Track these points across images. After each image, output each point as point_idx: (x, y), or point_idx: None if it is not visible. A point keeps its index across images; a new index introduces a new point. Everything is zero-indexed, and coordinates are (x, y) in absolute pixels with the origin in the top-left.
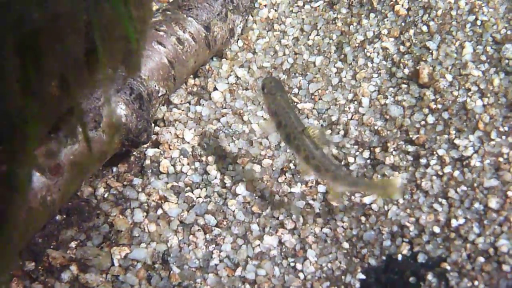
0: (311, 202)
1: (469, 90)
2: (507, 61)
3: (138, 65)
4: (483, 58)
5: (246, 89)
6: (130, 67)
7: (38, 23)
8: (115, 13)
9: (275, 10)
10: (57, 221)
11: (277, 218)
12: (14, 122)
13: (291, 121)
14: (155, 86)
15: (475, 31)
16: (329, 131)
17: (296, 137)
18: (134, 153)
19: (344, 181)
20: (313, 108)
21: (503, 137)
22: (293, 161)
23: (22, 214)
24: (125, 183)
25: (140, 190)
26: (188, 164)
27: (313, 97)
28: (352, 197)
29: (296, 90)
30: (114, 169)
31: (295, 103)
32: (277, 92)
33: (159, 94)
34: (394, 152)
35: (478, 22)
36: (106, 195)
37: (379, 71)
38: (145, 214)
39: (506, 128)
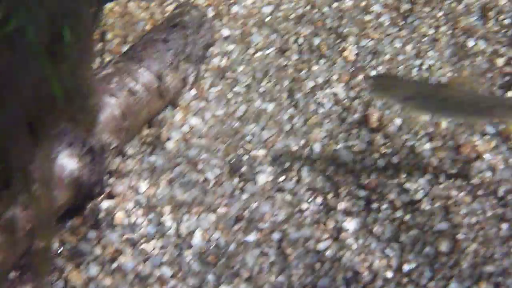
0: (266, 250)
1: (417, 134)
2: None
3: (93, 123)
4: None
5: (200, 137)
6: (85, 125)
7: None
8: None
9: (227, 58)
10: (10, 279)
11: (232, 268)
12: None
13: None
14: (108, 138)
15: (421, 76)
16: None
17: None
18: (88, 206)
19: None
20: (266, 155)
21: (452, 180)
22: (247, 209)
23: None
24: (79, 237)
25: (95, 243)
26: (143, 215)
27: (266, 144)
28: (307, 244)
29: (249, 138)
30: (69, 223)
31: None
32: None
33: (112, 146)
34: (346, 198)
35: (424, 67)
36: (60, 250)
37: (330, 117)
38: (100, 267)
39: (454, 171)
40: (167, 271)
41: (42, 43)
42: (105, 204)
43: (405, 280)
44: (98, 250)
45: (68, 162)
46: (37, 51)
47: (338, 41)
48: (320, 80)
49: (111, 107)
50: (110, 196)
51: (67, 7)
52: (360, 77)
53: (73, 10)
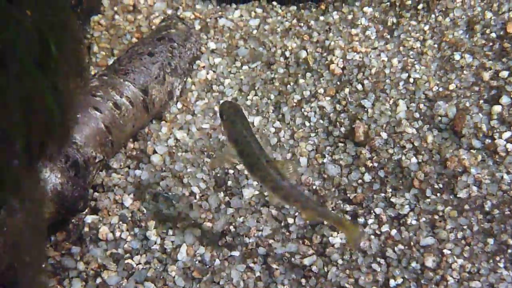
0: (251, 265)
1: (403, 147)
2: (439, 118)
3: (66, 138)
4: (417, 115)
5: (186, 151)
6: (57, 140)
7: None
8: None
9: (214, 72)
10: None
11: (218, 283)
12: None
13: (253, 151)
14: (92, 152)
15: (408, 89)
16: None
17: (260, 168)
18: (72, 220)
19: (314, 211)
20: None
21: (438, 194)
22: (233, 224)
23: None
24: (63, 252)
25: (78, 258)
26: (127, 230)
27: None
28: (292, 259)
29: None
30: (52, 238)
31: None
32: (237, 119)
33: (96, 160)
34: (332, 212)
35: (411, 80)
36: (43, 265)
37: (316, 130)
38: (83, 283)
39: (441, 185)
40: (151, 286)
41: (31, 56)
42: (89, 218)
43: None
44: (81, 266)
45: (51, 176)
46: (28, 64)
47: (324, 54)
48: (306, 93)
49: (95, 120)
50: (95, 210)
51: (55, 19)
52: (347, 90)
53: (61, 21)
